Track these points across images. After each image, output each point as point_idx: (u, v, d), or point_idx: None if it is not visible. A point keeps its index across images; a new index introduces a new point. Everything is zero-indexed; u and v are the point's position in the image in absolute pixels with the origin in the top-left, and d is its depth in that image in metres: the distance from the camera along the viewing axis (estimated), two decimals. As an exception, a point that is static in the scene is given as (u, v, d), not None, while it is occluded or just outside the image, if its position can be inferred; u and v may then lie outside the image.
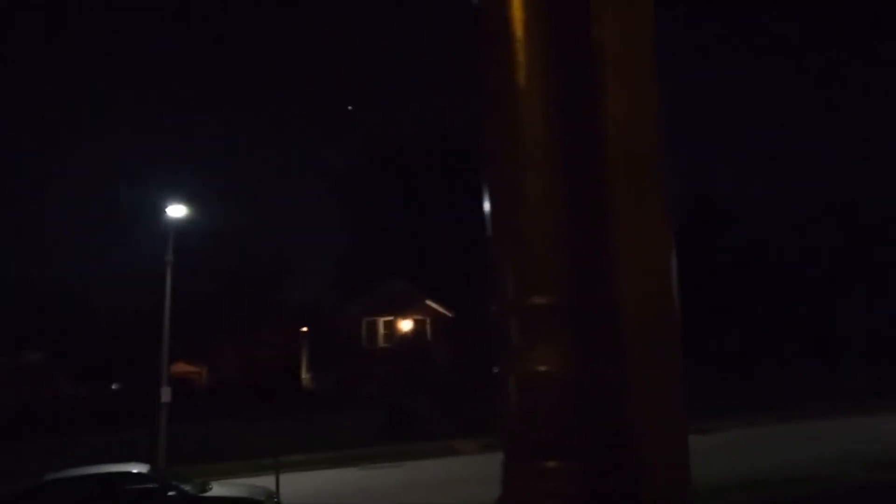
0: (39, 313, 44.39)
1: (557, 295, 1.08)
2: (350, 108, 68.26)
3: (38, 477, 11.63)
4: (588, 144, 1.12)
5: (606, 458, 1.02)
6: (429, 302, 35.67)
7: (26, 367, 40.66)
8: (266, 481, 13.28)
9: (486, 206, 1.18)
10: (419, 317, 35.65)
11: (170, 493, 11.17)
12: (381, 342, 35.22)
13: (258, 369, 38.26)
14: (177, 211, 22.11)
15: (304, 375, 42.35)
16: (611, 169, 1.13)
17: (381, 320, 35.49)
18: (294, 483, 13.32)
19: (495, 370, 1.16)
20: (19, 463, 20.18)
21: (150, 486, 11.32)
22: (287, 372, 39.07)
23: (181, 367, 40.10)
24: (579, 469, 1.02)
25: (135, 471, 11.81)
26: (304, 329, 42.31)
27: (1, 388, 35.95)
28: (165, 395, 20.60)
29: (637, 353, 1.08)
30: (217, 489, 11.84)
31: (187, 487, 11.50)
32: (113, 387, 46.23)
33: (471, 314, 36.43)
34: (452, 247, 41.05)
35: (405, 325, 35.43)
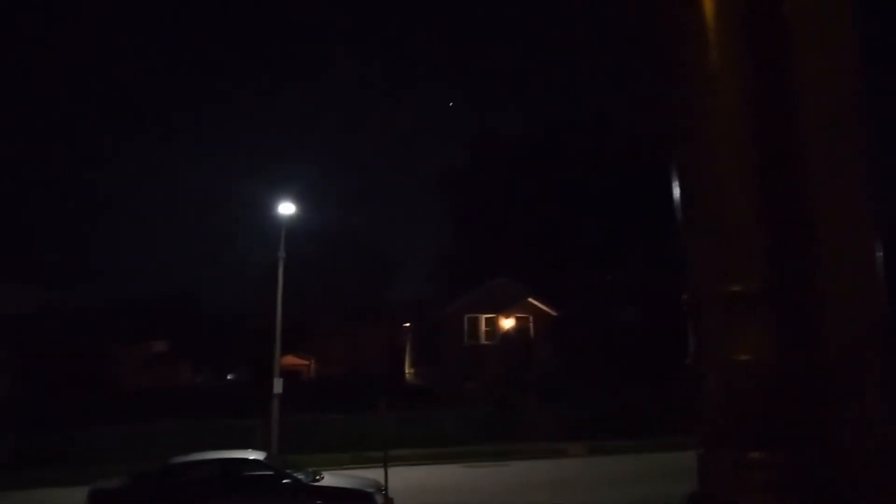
0: (164, 307, 47.59)
1: (756, 282, 1.03)
2: (451, 104, 68.82)
3: (166, 459, 12.39)
4: (782, 125, 1.06)
5: (813, 449, 0.97)
6: (531, 300, 35.31)
7: (153, 356, 43.80)
8: (373, 473, 13.52)
9: (676, 193, 1.14)
10: (522, 314, 35.36)
11: (284, 481, 11.57)
12: (483, 339, 35.23)
13: (363, 363, 39.32)
14: (287, 209, 22.94)
15: (409, 370, 43.09)
16: (808, 145, 1.06)
17: (484, 317, 35.48)
18: (400, 477, 13.47)
19: (688, 361, 1.12)
20: (149, 443, 21.66)
21: (266, 472, 11.78)
22: (391, 366, 39.92)
23: (290, 360, 41.79)
24: (787, 460, 0.97)
25: (251, 457, 12.34)
26: (408, 325, 43.04)
27: (133, 374, 38.87)
28: (277, 386, 21.48)
29: (839, 341, 1.01)
30: (328, 479, 12.15)
31: (300, 476, 11.87)
32: (228, 377, 48.98)
33: (575, 312, 35.76)
34: (556, 244, 40.51)
35: (507, 322, 35.23)
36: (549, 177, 42.38)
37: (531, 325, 35.46)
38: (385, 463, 12.80)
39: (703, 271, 1.08)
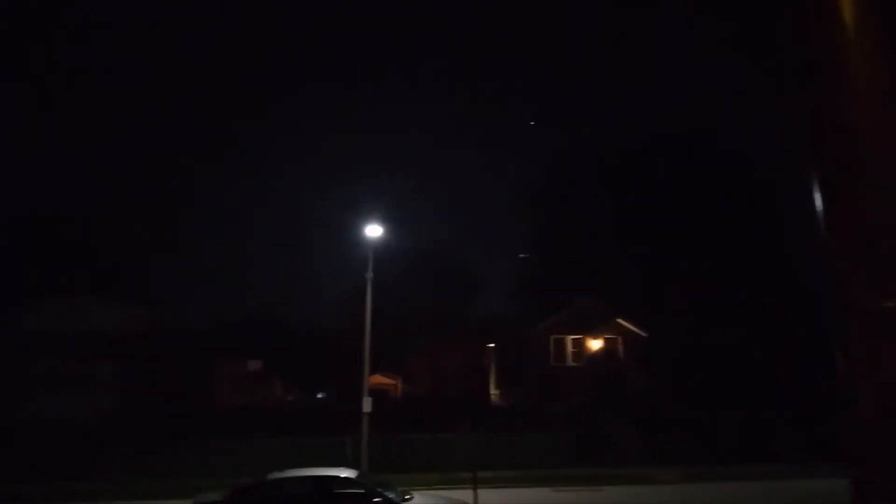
0: (257, 327, 49.54)
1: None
2: (532, 122, 68.75)
3: (263, 474, 12.79)
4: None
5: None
6: (620, 320, 34.50)
7: (248, 375, 45.54)
8: (458, 495, 13.45)
9: (820, 206, 1.09)
10: (610, 335, 34.60)
11: (375, 500, 11.70)
12: (569, 360, 34.64)
13: (447, 382, 39.42)
14: (374, 231, 23.38)
15: (493, 391, 42.86)
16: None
17: (570, 338, 34.92)
18: (487, 499, 13.34)
19: (839, 379, 1.06)
20: (246, 458, 22.44)
21: (358, 490, 11.95)
22: (475, 386, 39.83)
23: (378, 379, 42.45)
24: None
25: (343, 475, 12.56)
26: (492, 345, 42.91)
27: (229, 391, 40.55)
28: (366, 405, 21.80)
29: None
30: (417, 499, 12.20)
31: (391, 495, 11.97)
32: (318, 395, 50.23)
33: (665, 333, 34.64)
34: (644, 264, 39.50)
35: (595, 343, 34.54)
36: (637, 194, 41.53)
37: (620, 346, 34.62)
38: (475, 484, 12.72)
39: (853, 287, 1.04)
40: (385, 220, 24.54)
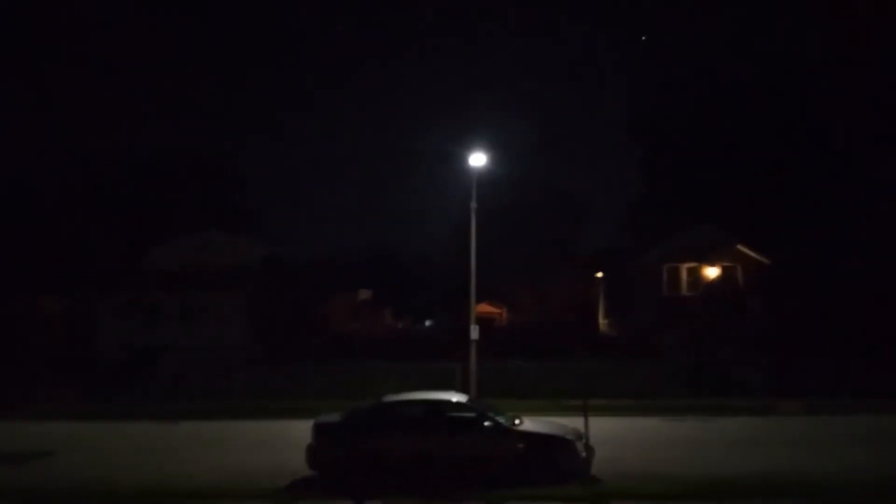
0: (368, 258, 51.17)
1: None
2: (643, 38, 64.91)
3: (377, 397, 13.24)
4: None
5: None
6: (740, 247, 32.67)
7: (359, 304, 47.40)
8: (568, 421, 13.38)
9: None
10: (728, 263, 32.92)
11: (486, 423, 11.85)
12: (683, 290, 33.38)
13: (554, 312, 39.23)
14: (478, 160, 22.99)
15: (602, 321, 42.33)
16: None
17: (684, 267, 33.56)
18: (598, 426, 13.20)
19: None
20: (361, 382, 23.53)
21: (469, 414, 12.13)
22: (583, 317, 39.42)
23: (483, 308, 42.86)
24: None
25: (455, 399, 12.77)
26: (600, 275, 42.10)
27: (343, 320, 42.47)
28: (474, 332, 22.08)
29: None
30: (527, 424, 12.23)
31: (501, 419, 12.07)
32: (426, 323, 51.62)
33: (793, 261, 32.45)
34: (767, 188, 37.01)
35: (711, 272, 33.00)
36: (757, 114, 38.58)
37: (740, 274, 32.88)
38: (586, 411, 12.59)
39: None
40: (491, 149, 24.02)
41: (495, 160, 26.21)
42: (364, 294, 49.42)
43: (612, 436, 14.91)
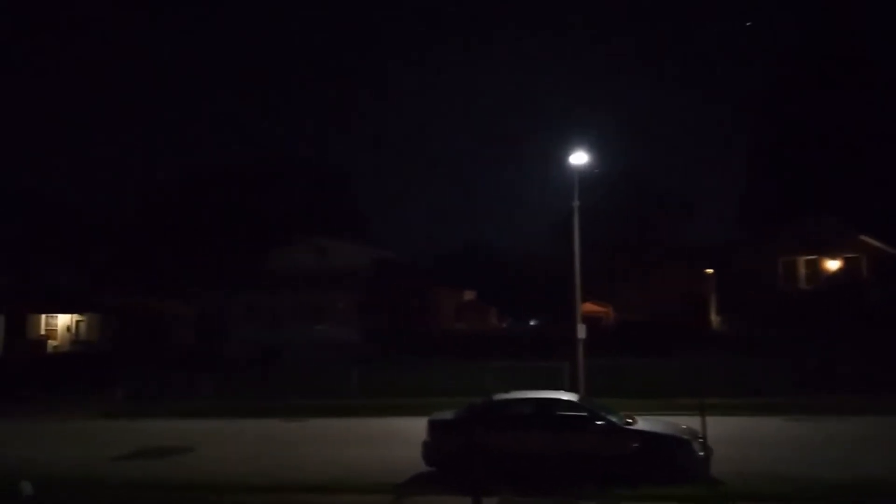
0: (471, 259, 51.84)
1: None
2: (748, 24, 61.87)
3: (488, 396, 13.59)
4: None
5: None
6: (863, 237, 30.60)
7: (464, 304, 48.09)
8: (680, 421, 13.19)
9: None
10: (851, 255, 30.93)
11: (598, 422, 11.91)
12: (801, 283, 31.69)
13: (662, 310, 38.25)
14: (579, 158, 22.85)
15: (714, 318, 40.86)
16: None
17: (802, 259, 31.85)
18: (711, 426, 12.88)
19: None
20: (469, 380, 23.97)
21: (580, 413, 12.22)
22: (693, 313, 38.21)
23: (589, 307, 42.33)
24: None
25: (565, 398, 12.92)
26: (710, 270, 40.65)
27: (449, 319, 43.26)
28: (581, 331, 21.98)
29: None
30: (641, 423, 12.19)
31: (614, 418, 12.10)
32: (531, 322, 51.59)
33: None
34: (889, 173, 34.49)
35: (832, 264, 31.12)
36: (873, 96, 35.97)
37: (864, 266, 30.82)
38: (702, 410, 12.38)
39: None
40: (593, 146, 23.83)
41: (597, 156, 25.92)
42: (468, 294, 50.11)
43: (729, 435, 14.54)
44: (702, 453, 11.48)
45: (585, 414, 12.20)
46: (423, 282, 43.30)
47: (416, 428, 13.93)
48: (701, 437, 11.94)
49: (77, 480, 11.67)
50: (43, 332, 39.55)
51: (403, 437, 15.80)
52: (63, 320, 39.94)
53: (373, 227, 58.72)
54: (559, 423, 12.19)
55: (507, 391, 14.12)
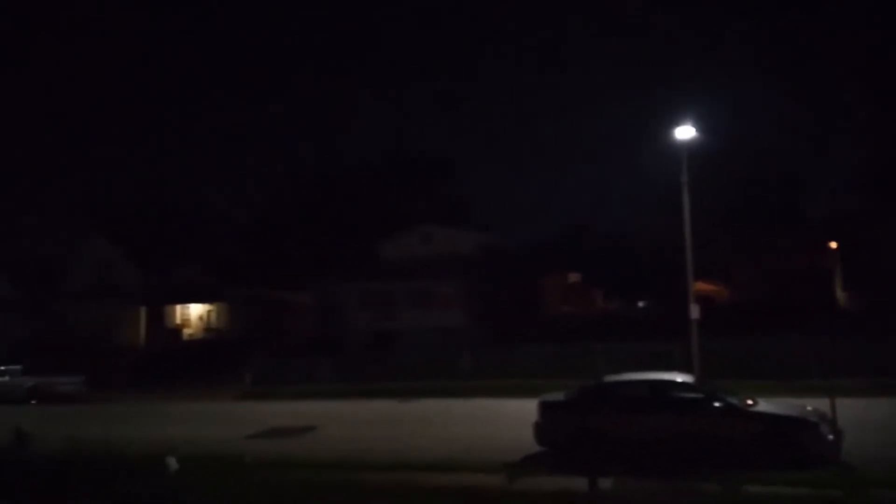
0: (575, 241, 51.30)
1: None
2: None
3: (598, 377, 13.57)
4: None
5: None
6: None
7: (569, 286, 47.70)
8: (806, 403, 12.60)
9: None
10: None
11: (715, 404, 11.58)
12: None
13: (781, 287, 36.27)
14: (685, 132, 22.10)
15: (839, 294, 38.33)
16: None
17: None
18: (841, 409, 12.17)
19: None
20: (577, 362, 23.95)
21: (696, 395, 11.91)
22: (817, 290, 35.97)
23: (699, 286, 40.72)
24: None
25: (679, 380, 12.64)
26: (834, 244, 38.09)
27: (554, 302, 43.11)
28: (694, 311, 21.39)
29: None
30: (763, 405, 11.75)
31: (733, 400, 11.73)
32: (639, 304, 50.34)
33: None
34: None
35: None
36: None
37: None
38: (831, 393, 11.76)
39: None
40: (701, 118, 22.95)
41: (704, 128, 24.88)
42: (573, 277, 49.57)
43: (860, 418, 13.71)
44: (831, 437, 10.92)
45: (702, 395, 11.91)
46: (529, 265, 43.35)
47: (525, 409, 14.11)
48: (830, 420, 11.37)
49: (216, 457, 12.65)
50: (179, 322, 43.00)
51: (514, 417, 16.03)
52: (196, 310, 43.16)
53: (476, 212, 59.25)
54: (674, 404, 11.93)
55: (615, 373, 14.03)
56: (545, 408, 12.82)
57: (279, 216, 54.73)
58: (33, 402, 28.10)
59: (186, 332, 42.77)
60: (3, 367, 30.11)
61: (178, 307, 43.06)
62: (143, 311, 41.20)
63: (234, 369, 31.17)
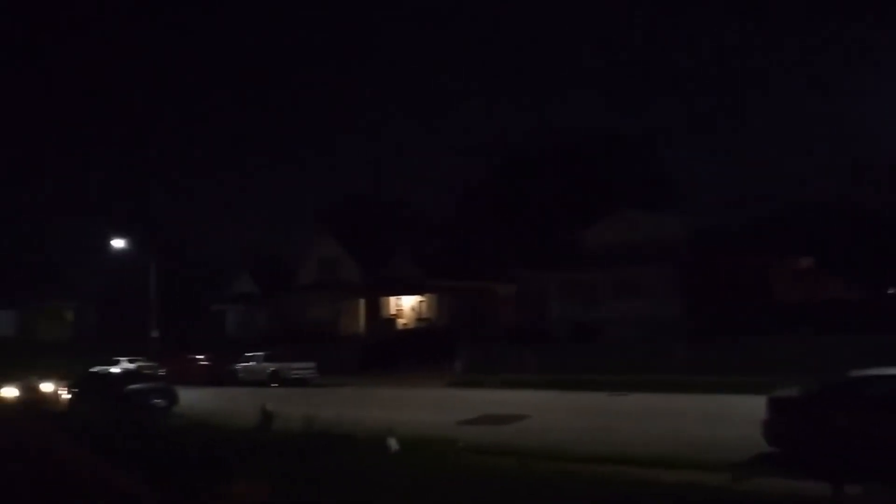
0: (800, 217, 46.26)
1: None
2: None
3: (842, 373, 11.94)
4: None
5: None
6: None
7: (800, 271, 43.09)
8: None
9: None
10: None
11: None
12: None
13: None
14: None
15: None
16: None
17: None
18: None
19: None
20: (806, 355, 21.53)
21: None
22: None
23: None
24: None
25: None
26: None
27: (785, 288, 39.24)
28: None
29: None
30: None
31: None
32: (889, 291, 43.97)
33: None
34: None
35: None
36: None
37: None
38: None
39: None
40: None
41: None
42: (804, 261, 44.54)
43: None
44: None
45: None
46: (747, 249, 39.77)
47: (748, 405, 12.98)
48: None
49: (432, 440, 13.17)
50: (393, 312, 46.08)
51: (736, 414, 14.91)
52: (408, 301, 45.91)
53: (682, 193, 55.77)
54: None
55: (859, 368, 12.25)
56: (776, 405, 11.68)
57: (476, 207, 55.89)
58: (274, 385, 31.65)
59: (400, 321, 45.60)
60: (249, 354, 34.42)
61: (392, 299, 46.01)
62: (362, 303, 44.78)
63: (442, 357, 32.59)
